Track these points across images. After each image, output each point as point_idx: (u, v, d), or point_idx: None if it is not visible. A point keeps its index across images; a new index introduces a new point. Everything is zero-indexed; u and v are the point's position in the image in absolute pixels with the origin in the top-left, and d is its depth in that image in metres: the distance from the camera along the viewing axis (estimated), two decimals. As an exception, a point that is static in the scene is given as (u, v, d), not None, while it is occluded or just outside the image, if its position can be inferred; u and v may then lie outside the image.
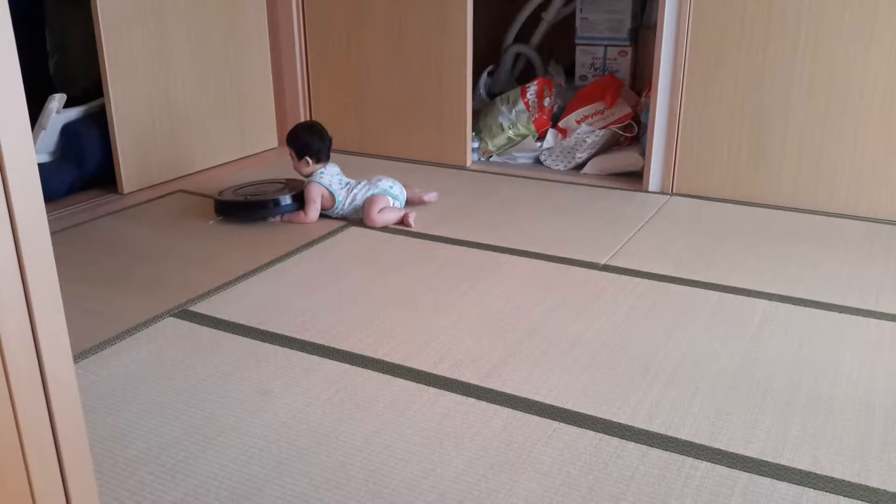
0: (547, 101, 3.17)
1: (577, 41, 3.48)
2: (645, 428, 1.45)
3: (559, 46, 3.70)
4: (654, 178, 2.81)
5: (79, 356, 1.71)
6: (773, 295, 2.00)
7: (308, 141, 2.55)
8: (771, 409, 1.52)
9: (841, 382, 1.61)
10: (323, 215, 2.56)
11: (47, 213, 0.94)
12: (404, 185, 2.62)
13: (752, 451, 1.39)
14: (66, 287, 2.09)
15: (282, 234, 2.43)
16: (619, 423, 1.47)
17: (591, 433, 1.44)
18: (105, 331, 1.83)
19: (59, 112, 2.72)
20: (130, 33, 2.72)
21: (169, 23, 2.86)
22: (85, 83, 2.99)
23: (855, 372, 1.65)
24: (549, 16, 3.53)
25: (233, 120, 3.21)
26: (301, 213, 2.53)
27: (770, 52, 2.54)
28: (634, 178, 2.92)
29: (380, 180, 2.56)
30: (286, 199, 2.53)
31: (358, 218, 2.53)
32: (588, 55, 3.47)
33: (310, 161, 2.55)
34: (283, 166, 3.05)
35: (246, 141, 3.29)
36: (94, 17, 2.62)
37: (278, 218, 2.55)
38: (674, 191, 2.79)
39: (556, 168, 3.09)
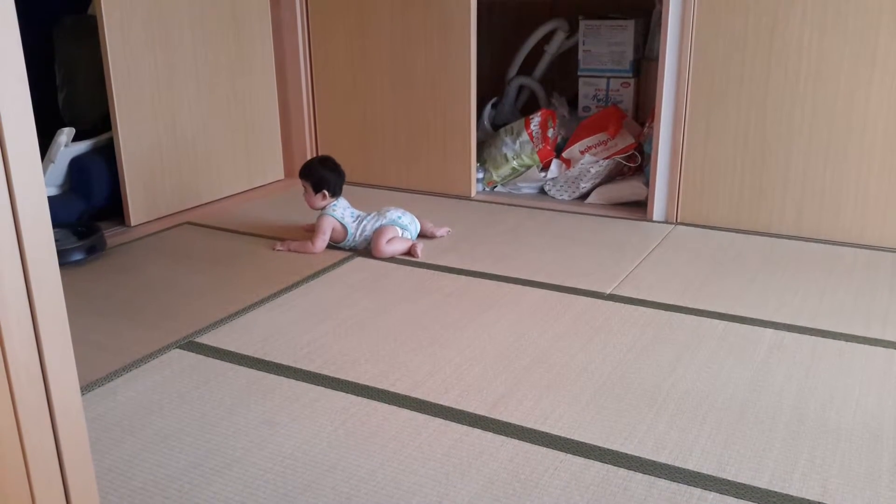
0: (550, 132, 3.19)
1: (579, 73, 3.51)
2: (653, 459, 1.44)
3: (562, 78, 3.73)
4: (658, 208, 2.82)
5: (85, 388, 1.71)
6: (779, 324, 1.99)
7: (325, 175, 2.58)
8: (779, 438, 1.51)
9: (849, 411, 1.60)
10: (332, 247, 2.57)
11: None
12: (416, 217, 2.63)
13: (760, 482, 1.38)
14: (73, 319, 2.11)
15: (288, 265, 2.44)
16: (627, 454, 1.46)
17: (598, 464, 1.43)
18: (111, 363, 1.83)
19: (67, 146, 2.75)
20: (138, 67, 2.76)
21: (176, 56, 2.90)
22: (93, 117, 3.03)
23: (862, 400, 1.64)
24: (551, 48, 3.57)
25: (240, 152, 3.24)
26: (309, 242, 2.55)
27: (772, 84, 2.56)
28: (639, 207, 2.93)
29: (388, 211, 2.58)
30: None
31: (367, 248, 2.54)
32: (591, 86, 3.50)
33: (326, 195, 2.57)
34: (290, 198, 3.08)
35: (253, 173, 3.32)
36: (102, 52, 2.65)
37: (286, 248, 2.56)
38: (678, 220, 2.80)
39: (561, 198, 3.11)
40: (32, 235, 0.92)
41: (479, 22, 3.04)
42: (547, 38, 3.57)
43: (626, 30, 3.38)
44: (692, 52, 2.64)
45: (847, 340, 1.90)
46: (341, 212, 2.57)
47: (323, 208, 2.58)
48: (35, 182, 0.92)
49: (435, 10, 3.04)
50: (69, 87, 3.15)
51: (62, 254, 2.43)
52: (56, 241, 2.63)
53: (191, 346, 1.92)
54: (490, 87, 3.64)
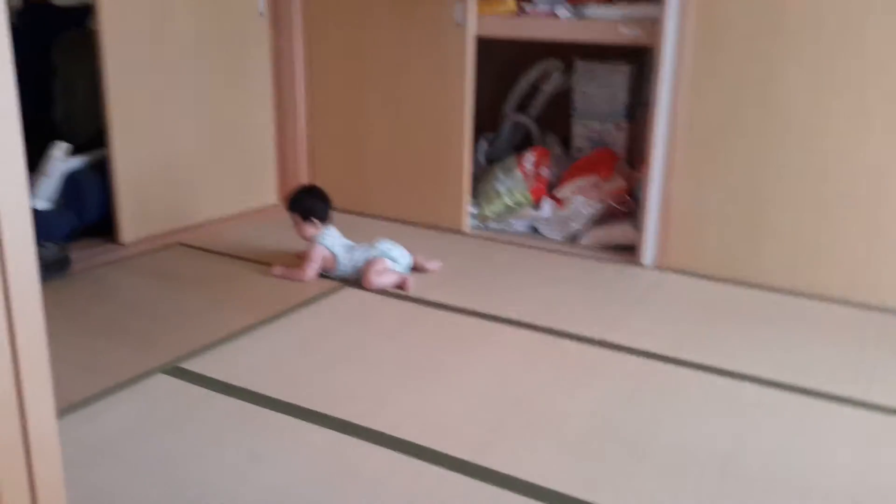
0: (544, 171, 3.22)
1: (574, 113, 3.54)
2: (631, 512, 1.45)
3: (557, 118, 3.76)
4: (648, 253, 2.84)
5: (67, 409, 1.70)
6: (764, 380, 2.00)
7: (312, 204, 2.61)
8: (758, 500, 1.51)
9: (829, 473, 1.61)
10: (323, 276, 2.58)
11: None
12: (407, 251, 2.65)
13: (737, 542, 1.38)
14: (60, 337, 2.10)
15: (278, 292, 2.44)
16: (605, 506, 1.46)
17: (576, 515, 1.43)
18: (95, 384, 1.82)
19: (62, 160, 2.75)
20: (136, 86, 2.77)
21: (174, 77, 2.91)
22: (89, 132, 3.03)
23: (843, 463, 1.65)
24: (548, 87, 3.60)
25: (234, 175, 3.25)
26: (299, 270, 2.56)
27: (765, 135, 2.59)
28: (630, 251, 2.95)
29: (380, 243, 2.60)
30: None
31: (357, 278, 2.55)
32: (585, 127, 3.52)
33: (316, 223, 2.59)
34: (283, 222, 3.08)
35: (246, 196, 3.32)
36: (100, 68, 2.66)
37: (280, 272, 2.57)
38: (668, 266, 2.82)
39: (552, 237, 3.12)
40: (15, 261, 0.92)
41: (479, 57, 3.08)
42: (544, 76, 3.61)
43: (621, 73, 3.41)
44: (686, 99, 2.67)
45: (830, 400, 1.91)
46: (332, 241, 2.58)
47: (313, 237, 2.59)
48: (20, 212, 0.92)
49: (433, 46, 3.07)
50: (66, 102, 3.16)
51: None
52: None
53: (176, 371, 1.91)
54: (487, 121, 3.67)
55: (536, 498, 1.48)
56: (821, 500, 1.51)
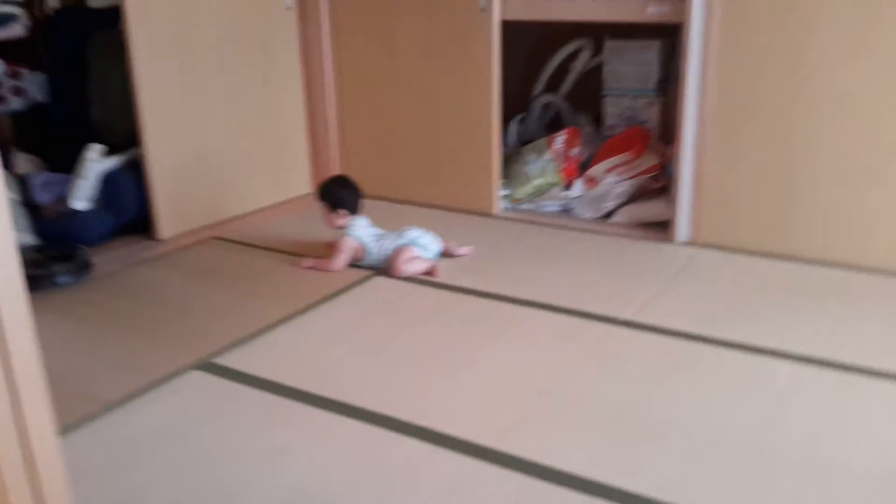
0: (575, 151, 3.19)
1: (604, 92, 3.49)
2: (658, 498, 1.44)
3: (588, 96, 3.71)
4: (681, 229, 2.80)
5: (103, 410, 1.75)
6: (799, 356, 1.96)
7: (342, 194, 2.63)
8: (788, 480, 1.49)
9: (864, 452, 1.57)
10: (353, 265, 2.60)
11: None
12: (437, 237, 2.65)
13: (766, 526, 1.36)
14: (96, 336, 2.16)
15: (308, 283, 2.47)
16: (633, 494, 1.45)
17: (602, 502, 1.43)
18: (129, 383, 1.87)
19: (97, 161, 2.81)
20: (166, 84, 2.80)
21: (204, 73, 2.94)
22: (125, 131, 3.09)
23: (880, 441, 1.61)
24: (577, 66, 3.55)
25: (267, 167, 3.28)
26: (328, 261, 2.58)
27: (798, 105, 2.52)
28: (663, 227, 2.91)
29: (408, 231, 2.60)
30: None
31: (387, 267, 2.56)
32: (616, 106, 3.47)
33: (344, 213, 2.61)
34: (316, 213, 3.10)
35: (280, 187, 3.36)
36: (130, 68, 2.70)
37: (310, 265, 2.60)
38: (702, 242, 2.77)
39: (585, 216, 3.10)
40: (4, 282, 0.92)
41: (507, 38, 3.05)
42: (573, 56, 3.56)
43: (651, 50, 3.35)
44: (715, 74, 2.62)
45: (868, 375, 1.87)
46: (361, 231, 2.60)
47: (343, 226, 2.62)
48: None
49: (458, 32, 3.05)
50: (102, 102, 3.22)
51: (43, 279, 2.43)
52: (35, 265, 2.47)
53: (209, 367, 1.95)
54: (518, 103, 3.64)
55: (563, 485, 1.47)
56: (855, 480, 1.48)
